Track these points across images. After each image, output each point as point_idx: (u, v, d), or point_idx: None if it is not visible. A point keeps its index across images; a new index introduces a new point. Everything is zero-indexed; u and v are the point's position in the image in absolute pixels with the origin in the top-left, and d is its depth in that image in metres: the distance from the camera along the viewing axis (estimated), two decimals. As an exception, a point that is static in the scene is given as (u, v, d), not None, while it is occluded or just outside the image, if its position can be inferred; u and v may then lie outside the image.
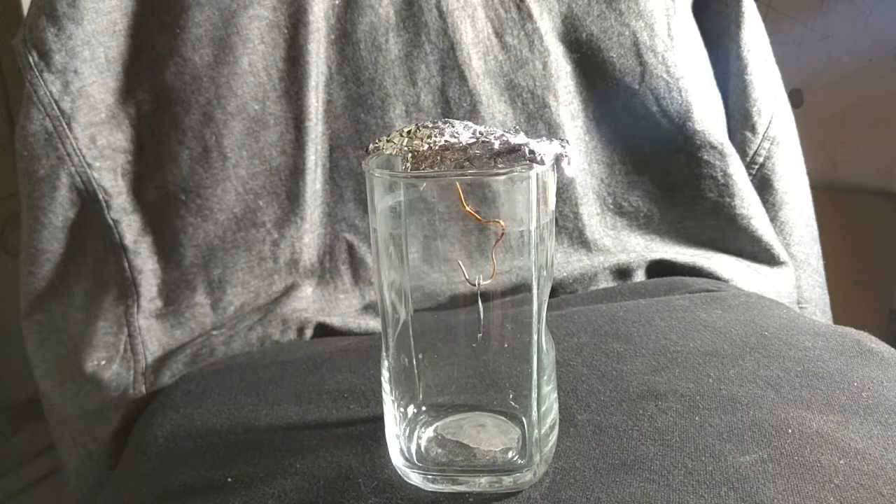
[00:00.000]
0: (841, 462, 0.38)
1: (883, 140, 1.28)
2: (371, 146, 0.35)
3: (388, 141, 0.34)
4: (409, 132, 0.33)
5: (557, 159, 0.34)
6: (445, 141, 0.32)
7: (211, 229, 0.62)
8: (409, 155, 0.32)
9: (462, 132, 0.33)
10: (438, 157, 0.32)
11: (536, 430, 0.37)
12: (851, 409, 0.43)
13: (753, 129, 0.72)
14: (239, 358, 0.57)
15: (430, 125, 0.34)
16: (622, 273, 0.67)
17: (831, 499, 0.36)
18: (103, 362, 0.58)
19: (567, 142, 0.35)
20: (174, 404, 0.51)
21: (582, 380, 0.47)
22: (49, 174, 0.59)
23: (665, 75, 0.69)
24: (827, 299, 0.78)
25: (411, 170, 0.32)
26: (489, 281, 0.36)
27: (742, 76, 0.72)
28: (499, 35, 0.68)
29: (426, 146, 0.32)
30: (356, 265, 0.66)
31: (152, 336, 0.60)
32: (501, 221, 0.35)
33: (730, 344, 0.50)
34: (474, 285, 0.36)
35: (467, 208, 0.34)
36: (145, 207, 0.62)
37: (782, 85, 0.75)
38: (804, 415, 0.42)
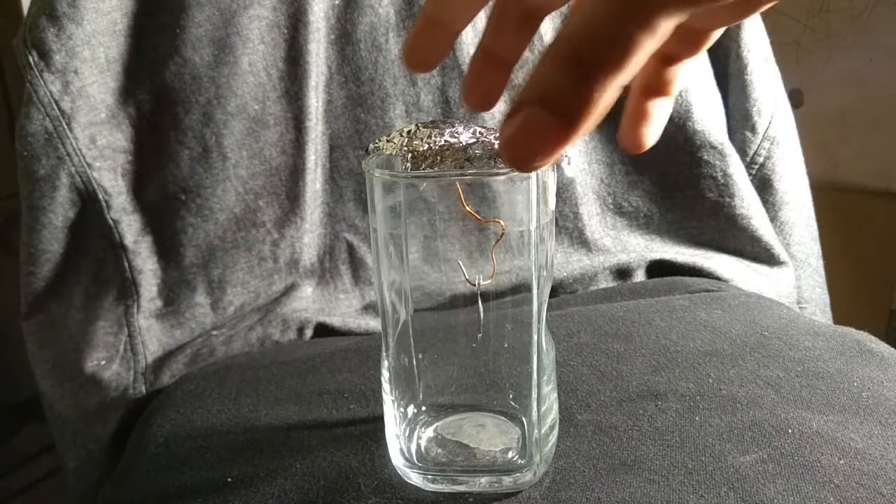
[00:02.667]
0: (841, 462, 0.38)
1: (883, 140, 1.28)
2: (371, 146, 0.34)
3: (388, 141, 0.34)
4: (409, 132, 0.33)
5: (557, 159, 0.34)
6: (445, 141, 0.32)
7: (211, 229, 0.62)
8: (409, 155, 0.32)
9: (462, 132, 0.33)
10: (438, 157, 0.32)
11: (536, 430, 0.37)
12: (851, 409, 0.43)
13: (753, 129, 0.72)
14: (239, 358, 0.57)
15: (431, 125, 0.34)
16: (622, 273, 0.67)
17: (831, 499, 0.36)
18: (103, 362, 0.58)
19: None
20: (174, 404, 0.50)
21: (582, 380, 0.47)
22: (49, 174, 0.59)
23: (665, 75, 0.69)
24: (827, 299, 0.78)
25: (411, 170, 0.32)
26: (489, 281, 0.36)
27: (742, 76, 0.72)
28: None
29: (426, 146, 0.32)
30: (356, 265, 0.66)
31: (152, 336, 0.60)
32: (501, 221, 0.35)
33: (730, 344, 0.50)
34: (474, 285, 0.36)
35: (467, 208, 0.34)
36: (145, 207, 0.62)
37: (782, 85, 0.75)
38: (804, 415, 0.42)
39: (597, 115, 0.23)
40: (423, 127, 0.33)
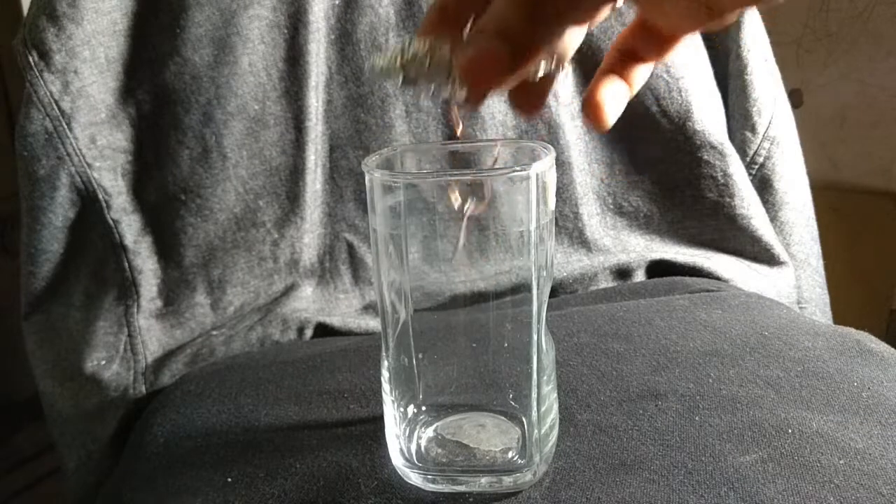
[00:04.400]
0: (841, 462, 0.38)
1: (883, 140, 1.28)
2: (367, 64, 0.33)
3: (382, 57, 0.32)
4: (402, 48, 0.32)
5: (552, 76, 0.33)
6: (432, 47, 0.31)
7: (211, 229, 0.62)
8: (397, 61, 0.31)
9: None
10: (429, 57, 0.31)
11: (536, 430, 0.37)
12: (851, 409, 0.43)
13: (753, 129, 0.72)
14: (239, 358, 0.57)
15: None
16: (622, 273, 0.67)
17: (831, 499, 0.36)
18: (103, 362, 0.58)
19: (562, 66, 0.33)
20: (174, 404, 0.51)
21: (582, 380, 0.47)
22: (49, 174, 0.59)
23: (665, 75, 0.69)
24: (827, 299, 0.78)
25: (402, 82, 0.31)
26: (483, 208, 0.35)
27: (742, 76, 0.72)
28: None
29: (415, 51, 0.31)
30: (356, 265, 0.66)
31: (152, 336, 0.60)
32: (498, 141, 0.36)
33: (730, 344, 0.50)
34: (464, 213, 0.36)
35: (458, 131, 0.35)
36: (145, 207, 0.62)
37: (782, 85, 0.75)
38: (804, 415, 0.42)
39: (541, 51, 0.28)
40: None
